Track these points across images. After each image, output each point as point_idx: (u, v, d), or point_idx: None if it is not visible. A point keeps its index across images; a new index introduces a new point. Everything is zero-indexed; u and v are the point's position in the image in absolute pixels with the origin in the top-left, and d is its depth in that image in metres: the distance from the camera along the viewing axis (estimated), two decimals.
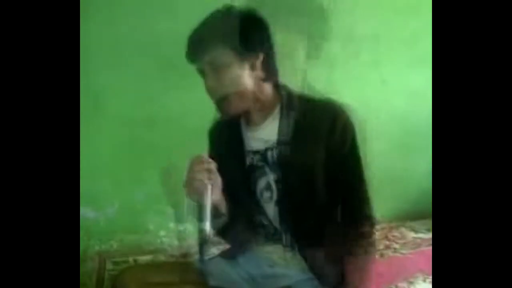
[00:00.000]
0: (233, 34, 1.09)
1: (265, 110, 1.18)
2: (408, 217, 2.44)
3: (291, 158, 1.14)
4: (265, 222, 1.22)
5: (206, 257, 1.02)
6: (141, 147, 2.10)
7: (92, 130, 1.83)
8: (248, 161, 1.20)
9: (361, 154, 1.17)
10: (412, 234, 2.28)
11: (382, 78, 2.30)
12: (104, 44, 1.97)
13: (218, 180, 1.06)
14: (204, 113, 2.04)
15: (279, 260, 1.24)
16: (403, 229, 2.33)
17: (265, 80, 1.14)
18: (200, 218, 1.00)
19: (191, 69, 2.06)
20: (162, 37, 2.01)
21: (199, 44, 1.11)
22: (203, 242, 1.00)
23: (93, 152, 1.87)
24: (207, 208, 1.00)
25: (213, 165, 1.04)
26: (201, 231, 1.00)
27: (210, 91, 1.13)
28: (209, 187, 1.02)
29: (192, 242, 2.14)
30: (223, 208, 1.12)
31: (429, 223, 2.35)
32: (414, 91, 2.33)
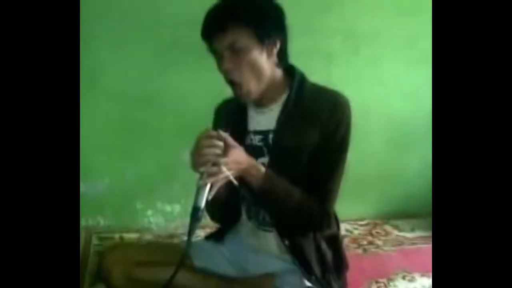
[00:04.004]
0: (256, 17, 1.09)
1: (275, 93, 1.19)
2: (393, 215, 2.46)
3: (285, 141, 1.15)
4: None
5: (194, 237, 1.01)
6: (135, 126, 2.10)
7: (87, 105, 1.82)
8: (247, 140, 1.22)
9: (347, 151, 1.18)
10: (396, 232, 2.31)
11: (380, 76, 2.30)
12: (104, 21, 1.96)
13: None
14: (201, 96, 2.06)
15: (262, 245, 1.26)
16: (387, 227, 2.36)
17: (278, 66, 1.16)
18: (197, 195, 1.02)
19: (191, 52, 2.06)
20: (163, 18, 2.00)
21: (220, 23, 1.08)
22: (195, 220, 1.01)
23: (88, 127, 1.87)
24: (206, 186, 1.02)
25: (220, 141, 1.04)
26: (195, 208, 1.01)
27: (226, 73, 1.12)
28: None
29: (179, 223, 2.16)
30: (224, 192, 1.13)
31: (413, 222, 2.39)
32: (411, 91, 2.34)
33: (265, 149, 1.20)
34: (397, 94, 2.34)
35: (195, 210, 1.01)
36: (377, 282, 1.79)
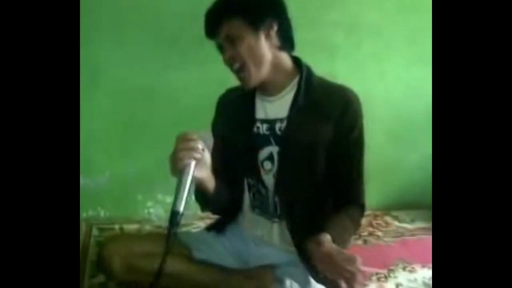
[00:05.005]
0: (245, 6, 1.13)
1: (282, 81, 1.20)
2: (393, 207, 2.47)
3: (298, 133, 1.16)
4: (263, 191, 1.24)
5: (194, 228, 0.98)
6: (135, 121, 2.10)
7: (89, 101, 1.83)
8: (254, 128, 1.22)
9: (364, 143, 1.21)
10: (396, 223, 2.31)
11: (381, 69, 2.30)
12: (104, 17, 1.95)
13: (206, 158, 1.05)
14: (201, 92, 2.05)
15: (264, 235, 1.26)
16: (387, 218, 2.36)
17: (281, 48, 1.18)
18: (175, 199, 0.97)
19: (191, 48, 2.06)
20: (164, 15, 1.99)
21: (215, 20, 1.14)
22: (174, 224, 0.95)
23: (89, 122, 1.87)
24: (185, 190, 0.98)
25: (199, 144, 1.02)
26: (173, 212, 0.96)
27: (228, 62, 1.16)
28: (191, 166, 1.00)
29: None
30: (211, 185, 1.12)
31: (413, 213, 2.39)
32: (412, 86, 2.34)
33: (272, 138, 1.20)
34: (398, 87, 2.35)
35: (174, 215, 0.96)
36: (377, 273, 1.79)
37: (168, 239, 0.96)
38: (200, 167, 1.03)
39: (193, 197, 1.16)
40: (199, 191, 1.12)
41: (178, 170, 1.00)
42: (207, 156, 1.06)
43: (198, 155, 1.02)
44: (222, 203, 1.23)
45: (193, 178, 1.01)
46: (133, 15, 1.98)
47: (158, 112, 2.09)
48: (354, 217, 1.20)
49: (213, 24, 1.15)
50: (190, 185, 0.99)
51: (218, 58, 1.21)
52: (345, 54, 2.24)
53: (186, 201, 0.97)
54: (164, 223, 2.19)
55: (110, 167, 2.14)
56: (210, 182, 1.12)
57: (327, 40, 2.18)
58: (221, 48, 1.18)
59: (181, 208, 0.96)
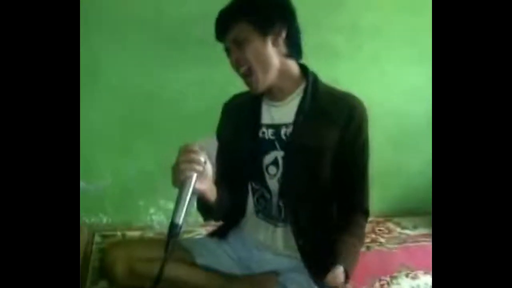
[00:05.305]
0: (254, 11, 1.13)
1: (289, 87, 1.21)
2: (395, 213, 2.46)
3: (303, 138, 1.17)
4: (267, 196, 1.24)
5: (195, 235, 0.98)
6: (136, 123, 2.09)
7: (89, 103, 1.82)
8: (260, 133, 1.22)
9: (369, 150, 1.21)
10: (398, 230, 2.30)
11: (381, 73, 2.30)
12: (105, 17, 1.95)
13: (208, 170, 1.05)
14: (202, 93, 2.05)
15: (267, 240, 1.26)
16: (389, 224, 2.36)
17: (288, 56, 1.18)
18: (175, 211, 0.97)
19: (192, 49, 2.06)
20: (164, 15, 2.00)
21: (224, 22, 1.15)
22: (172, 236, 0.96)
23: (89, 125, 1.87)
24: (185, 202, 0.98)
25: (201, 156, 1.02)
26: (172, 224, 0.96)
27: (234, 64, 1.17)
28: (193, 178, 1.00)
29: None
30: (212, 197, 1.12)
31: (415, 219, 2.38)
32: (412, 91, 2.34)
33: (277, 143, 1.20)
34: (399, 91, 2.34)
35: (174, 227, 0.96)
36: (380, 280, 1.79)
37: (166, 250, 0.96)
38: (201, 180, 1.03)
39: (195, 204, 1.17)
40: (201, 202, 1.12)
41: (180, 182, 1.00)
42: (209, 168, 1.06)
43: (199, 168, 1.02)
44: (224, 212, 1.23)
45: (194, 190, 1.01)
46: (134, 15, 1.98)
47: (160, 116, 2.09)
48: (360, 229, 1.22)
49: (222, 26, 1.15)
50: (190, 197, 0.99)
51: (219, 59, 1.22)
52: (347, 57, 2.24)
53: (186, 212, 0.97)
54: (166, 230, 2.19)
55: (111, 172, 2.13)
56: (211, 194, 1.11)
57: (328, 43, 2.18)
58: (228, 51, 1.18)
59: (180, 221, 0.97)
